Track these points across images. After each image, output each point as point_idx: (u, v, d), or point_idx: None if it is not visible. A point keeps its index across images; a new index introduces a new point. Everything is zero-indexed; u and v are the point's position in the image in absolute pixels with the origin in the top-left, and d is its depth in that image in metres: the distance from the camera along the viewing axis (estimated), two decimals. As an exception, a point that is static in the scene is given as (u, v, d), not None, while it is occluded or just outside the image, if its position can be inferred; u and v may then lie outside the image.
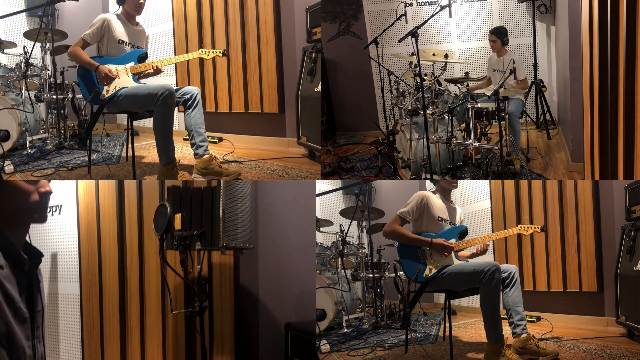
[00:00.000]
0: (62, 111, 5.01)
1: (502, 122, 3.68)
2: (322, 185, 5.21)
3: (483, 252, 3.32)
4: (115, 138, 5.63)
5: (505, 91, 3.82)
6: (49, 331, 3.79)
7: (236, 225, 2.53)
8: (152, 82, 3.70)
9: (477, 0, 5.45)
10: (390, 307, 5.24)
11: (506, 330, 3.08)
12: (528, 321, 3.45)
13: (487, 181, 5.42)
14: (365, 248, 4.86)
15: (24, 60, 4.83)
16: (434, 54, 4.10)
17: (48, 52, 5.00)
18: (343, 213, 4.94)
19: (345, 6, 5.71)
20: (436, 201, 3.34)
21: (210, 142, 3.81)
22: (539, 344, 3.12)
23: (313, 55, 4.28)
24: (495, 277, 2.98)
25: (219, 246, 2.46)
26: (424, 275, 3.20)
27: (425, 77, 3.90)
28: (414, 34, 3.38)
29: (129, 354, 3.34)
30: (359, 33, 5.71)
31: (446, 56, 4.01)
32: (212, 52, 3.64)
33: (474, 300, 3.75)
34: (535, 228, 3.31)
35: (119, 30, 3.58)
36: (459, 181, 4.05)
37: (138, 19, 3.72)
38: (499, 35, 4.62)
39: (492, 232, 5.25)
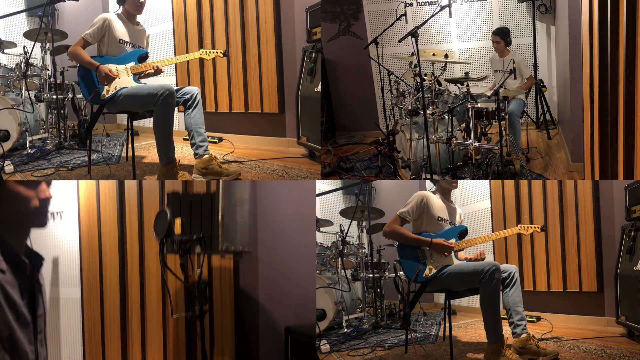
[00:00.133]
0: (62, 111, 5.01)
1: (502, 122, 3.68)
2: (322, 185, 5.21)
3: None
4: (115, 138, 5.63)
5: (506, 91, 3.82)
6: (51, 336, 3.78)
7: (235, 229, 2.54)
8: (153, 82, 3.70)
9: (477, 0, 5.45)
10: (390, 307, 5.24)
11: (506, 330, 3.08)
12: (528, 321, 3.46)
13: (487, 181, 5.42)
14: (365, 248, 4.87)
15: (24, 60, 4.83)
16: (434, 54, 4.10)
17: (48, 52, 5.00)
18: (343, 213, 4.94)
19: (345, 6, 5.71)
20: (436, 201, 3.34)
21: (210, 142, 3.81)
22: (539, 344, 3.12)
23: (313, 55, 4.28)
24: (495, 277, 2.98)
25: (218, 250, 2.48)
26: (424, 275, 3.20)
27: (425, 77, 3.90)
28: (414, 34, 3.38)
29: (130, 358, 3.34)
30: (359, 33, 5.71)
31: (446, 56, 4.01)
32: (213, 52, 3.65)
33: (474, 300, 3.75)
34: (535, 228, 3.31)
35: (120, 30, 3.58)
36: (459, 181, 4.06)
37: (139, 18, 3.72)
38: (502, 36, 4.61)
39: (492, 232, 5.26)
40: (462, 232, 3.31)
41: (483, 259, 3.31)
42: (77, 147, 4.89)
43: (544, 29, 5.31)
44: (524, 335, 3.10)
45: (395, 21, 4.51)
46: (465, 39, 5.59)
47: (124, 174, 4.01)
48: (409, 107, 3.92)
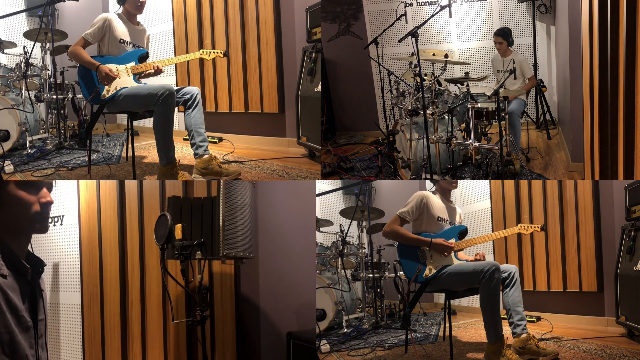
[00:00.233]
0: (62, 111, 5.01)
1: (502, 122, 3.68)
2: (322, 185, 5.21)
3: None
4: (115, 138, 5.63)
5: (506, 91, 3.82)
6: (50, 341, 3.78)
7: (236, 235, 2.54)
8: (153, 82, 3.70)
9: (477, 0, 5.45)
10: (390, 307, 5.24)
11: (506, 330, 3.08)
12: (528, 321, 3.46)
13: (487, 181, 5.42)
14: (365, 248, 4.87)
15: (24, 60, 4.83)
16: (434, 54, 4.10)
17: (48, 52, 5.00)
18: (343, 213, 4.94)
19: (345, 6, 5.71)
20: (436, 201, 3.34)
21: (210, 142, 3.82)
22: (539, 344, 3.12)
23: (313, 55, 4.28)
24: (495, 276, 2.98)
25: (219, 255, 2.48)
26: (424, 275, 3.20)
27: (425, 77, 3.90)
28: (414, 34, 3.39)
29: (131, 363, 3.34)
30: (359, 33, 5.71)
31: (446, 56, 4.01)
32: (213, 52, 3.65)
33: (474, 300, 3.75)
34: (535, 227, 3.30)
35: (120, 30, 3.58)
36: (459, 181, 4.06)
37: (139, 18, 3.72)
38: (504, 37, 4.60)
39: (492, 232, 5.25)
40: (462, 232, 3.31)
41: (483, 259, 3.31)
42: (77, 147, 4.89)
43: (544, 29, 5.31)
44: (524, 335, 3.10)
45: (395, 21, 4.51)
46: (465, 39, 5.59)
47: (124, 174, 4.01)
48: (409, 107, 3.92)
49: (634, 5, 2.07)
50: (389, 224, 3.32)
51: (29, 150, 4.74)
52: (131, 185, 3.41)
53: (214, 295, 3.16)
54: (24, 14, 6.13)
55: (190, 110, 3.51)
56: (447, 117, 4.00)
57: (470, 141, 3.69)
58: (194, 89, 3.54)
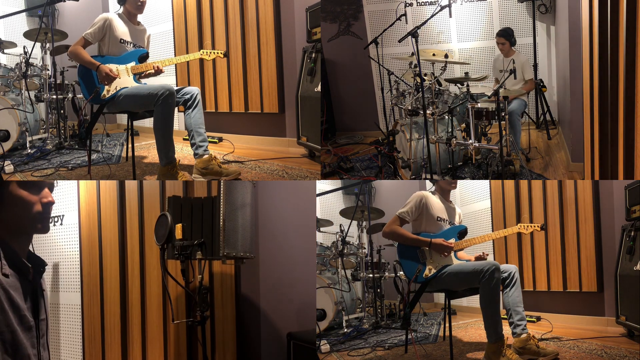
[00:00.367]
0: (62, 111, 5.01)
1: (502, 122, 3.68)
2: (322, 185, 5.21)
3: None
4: (115, 138, 5.63)
5: (506, 91, 3.82)
6: (51, 341, 3.77)
7: (236, 235, 2.54)
8: (153, 82, 3.70)
9: (477, 0, 5.45)
10: (390, 307, 5.24)
11: (506, 330, 3.08)
12: (528, 321, 3.46)
13: (487, 181, 5.42)
14: (365, 248, 4.87)
15: (24, 60, 4.83)
16: (434, 54, 4.10)
17: (48, 52, 5.00)
18: (343, 213, 4.94)
19: (345, 6, 5.71)
20: (435, 201, 3.34)
21: (210, 142, 3.82)
22: (539, 344, 3.12)
23: (313, 55, 4.28)
24: (495, 276, 2.98)
25: (219, 255, 2.48)
26: (424, 275, 3.20)
27: (425, 77, 3.90)
28: (414, 34, 3.39)
29: (131, 364, 3.34)
30: (359, 33, 5.71)
31: (446, 56, 4.01)
32: (213, 52, 3.65)
33: (474, 300, 3.75)
34: (535, 227, 3.30)
35: (121, 30, 3.58)
36: (459, 181, 4.06)
37: (139, 17, 3.72)
38: (507, 37, 4.61)
39: (492, 232, 5.25)
40: (461, 232, 3.31)
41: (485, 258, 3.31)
42: (77, 147, 4.89)
43: (544, 29, 5.31)
44: (524, 335, 3.10)
45: (395, 21, 4.51)
46: (465, 39, 5.59)
47: (124, 174, 4.01)
48: (409, 107, 3.92)
49: (634, 5, 2.07)
50: (389, 225, 3.32)
51: (29, 150, 4.74)
52: (131, 185, 3.40)
53: (214, 296, 3.16)
54: (24, 14, 6.13)
55: (190, 110, 3.51)
56: (447, 117, 4.00)
57: (470, 141, 3.69)
58: (194, 89, 3.54)
